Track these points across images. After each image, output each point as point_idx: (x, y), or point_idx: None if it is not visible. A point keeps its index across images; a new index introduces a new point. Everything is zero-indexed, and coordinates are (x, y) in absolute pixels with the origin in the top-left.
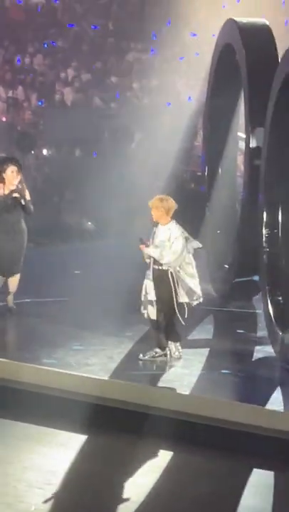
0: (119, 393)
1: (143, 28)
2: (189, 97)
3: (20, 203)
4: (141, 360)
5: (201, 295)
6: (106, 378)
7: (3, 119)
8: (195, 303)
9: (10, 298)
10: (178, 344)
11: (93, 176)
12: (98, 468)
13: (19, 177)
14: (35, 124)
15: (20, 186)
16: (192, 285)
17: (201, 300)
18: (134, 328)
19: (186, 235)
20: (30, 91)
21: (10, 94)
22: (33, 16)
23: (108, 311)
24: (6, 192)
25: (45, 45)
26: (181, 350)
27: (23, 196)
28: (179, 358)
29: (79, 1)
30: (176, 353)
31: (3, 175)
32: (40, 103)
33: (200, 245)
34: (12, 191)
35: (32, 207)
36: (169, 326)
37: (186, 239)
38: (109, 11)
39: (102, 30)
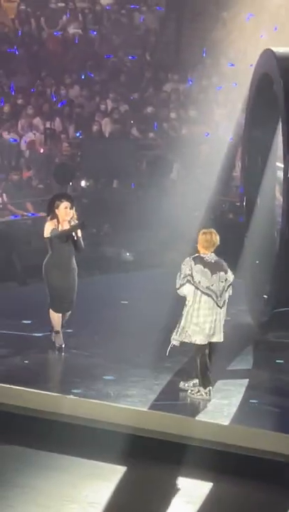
0: (159, 424)
1: (180, 59)
2: (231, 138)
3: (73, 239)
4: (181, 389)
5: (175, 341)
6: (145, 409)
7: (41, 150)
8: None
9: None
10: (203, 389)
11: (131, 206)
12: (137, 500)
13: (72, 213)
14: (72, 155)
15: (72, 223)
16: (182, 323)
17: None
18: (173, 359)
19: (191, 276)
20: (68, 122)
21: (47, 125)
22: (70, 47)
23: (148, 342)
24: (60, 228)
25: (83, 76)
26: (203, 393)
27: (76, 233)
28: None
29: (116, 32)
30: (198, 395)
31: (56, 211)
32: (77, 134)
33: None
34: (73, 228)
35: (83, 244)
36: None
37: (189, 280)
38: (146, 42)
39: (139, 60)
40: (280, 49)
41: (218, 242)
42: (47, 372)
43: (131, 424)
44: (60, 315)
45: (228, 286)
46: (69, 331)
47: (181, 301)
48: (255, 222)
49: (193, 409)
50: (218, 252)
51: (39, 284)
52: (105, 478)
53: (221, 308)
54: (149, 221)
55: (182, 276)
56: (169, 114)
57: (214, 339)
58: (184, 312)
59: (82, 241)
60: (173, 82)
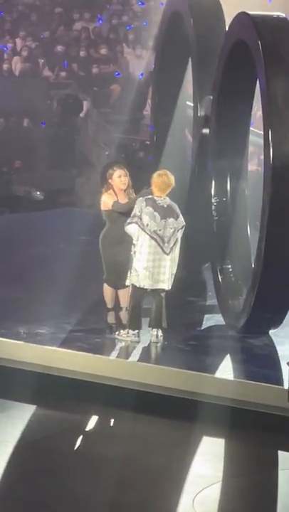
0: (68, 362)
1: None
2: (141, 74)
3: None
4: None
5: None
6: (55, 348)
7: None
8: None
9: (124, 314)
10: (131, 331)
11: (42, 145)
12: (46, 438)
13: (127, 181)
14: None
15: (127, 192)
16: (133, 265)
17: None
18: (84, 298)
19: (140, 217)
20: None
21: None
22: None
23: (59, 280)
24: (122, 199)
25: None
26: (131, 335)
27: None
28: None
29: None
30: (126, 336)
31: (110, 181)
32: None
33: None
34: (132, 200)
35: None
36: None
37: (137, 221)
38: None
39: None
40: None
41: (173, 184)
42: None
43: (40, 362)
44: (114, 291)
45: (177, 231)
46: None
47: (93, 239)
48: (164, 161)
49: (104, 348)
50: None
51: None
52: (14, 417)
53: (167, 255)
54: (60, 160)
55: (131, 215)
56: (79, 53)
57: (160, 286)
58: (132, 253)
59: None
60: (83, 21)
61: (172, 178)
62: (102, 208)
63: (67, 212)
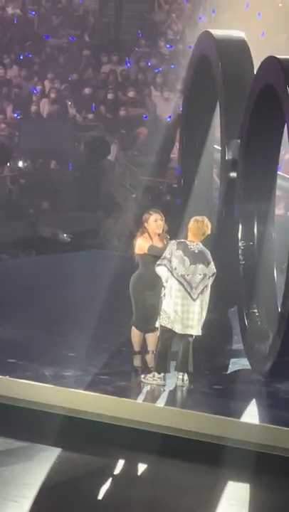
0: (93, 405)
1: (119, 40)
2: (169, 116)
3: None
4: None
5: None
6: (81, 390)
7: None
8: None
9: (150, 357)
10: (157, 374)
11: (69, 187)
12: (71, 481)
13: (162, 225)
14: (10, 135)
15: (162, 237)
16: (163, 307)
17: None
18: (109, 340)
19: (169, 260)
20: (6, 103)
21: None
22: (9, 28)
23: (84, 322)
24: (157, 243)
25: (21, 57)
26: (157, 378)
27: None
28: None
29: (55, 13)
30: (152, 379)
31: (146, 224)
32: (15, 115)
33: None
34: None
35: None
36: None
37: (166, 264)
38: (85, 23)
39: (78, 41)
40: (218, 31)
41: (208, 231)
42: None
43: (66, 405)
44: (142, 334)
45: (207, 278)
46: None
47: (119, 282)
48: (192, 205)
49: (128, 391)
50: None
51: None
52: (41, 460)
53: (194, 301)
54: (86, 202)
55: (162, 257)
56: (107, 96)
57: (189, 331)
58: (162, 296)
59: None
60: (111, 64)
61: (208, 226)
62: (137, 251)
63: (93, 255)
